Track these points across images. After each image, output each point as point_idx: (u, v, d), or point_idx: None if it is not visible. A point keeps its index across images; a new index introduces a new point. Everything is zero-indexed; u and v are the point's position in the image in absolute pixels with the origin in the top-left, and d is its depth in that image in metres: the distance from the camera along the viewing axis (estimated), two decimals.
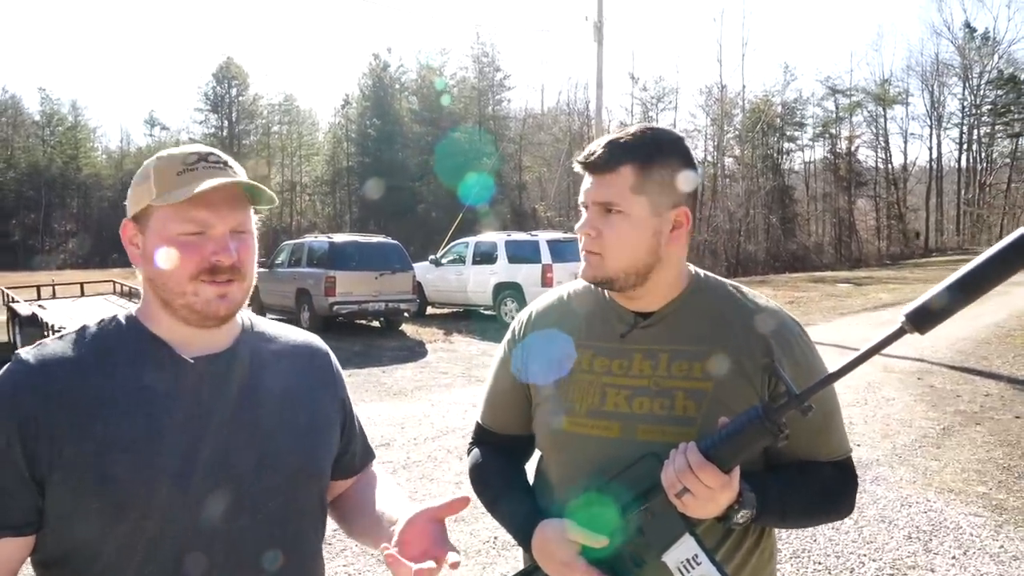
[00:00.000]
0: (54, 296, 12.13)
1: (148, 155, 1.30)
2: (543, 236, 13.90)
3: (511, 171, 45.55)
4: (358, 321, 13.69)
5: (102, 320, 1.12)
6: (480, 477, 1.41)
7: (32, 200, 54.82)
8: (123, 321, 1.11)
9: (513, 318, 1.47)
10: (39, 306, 10.20)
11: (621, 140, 1.21)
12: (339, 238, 13.43)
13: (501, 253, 13.96)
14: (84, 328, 1.10)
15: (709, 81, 54.95)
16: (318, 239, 13.88)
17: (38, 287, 11.99)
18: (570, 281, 1.42)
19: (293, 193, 51.79)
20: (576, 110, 46.20)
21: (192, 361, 1.08)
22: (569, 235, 15.25)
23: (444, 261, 15.27)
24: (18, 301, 10.67)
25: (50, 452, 0.98)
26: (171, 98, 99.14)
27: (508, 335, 1.43)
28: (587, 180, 1.24)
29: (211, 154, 1.09)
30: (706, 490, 1.05)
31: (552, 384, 1.31)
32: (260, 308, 14.85)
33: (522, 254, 13.63)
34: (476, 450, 1.46)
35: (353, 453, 1.30)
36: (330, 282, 12.26)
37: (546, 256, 13.16)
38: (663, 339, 1.25)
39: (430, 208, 43.19)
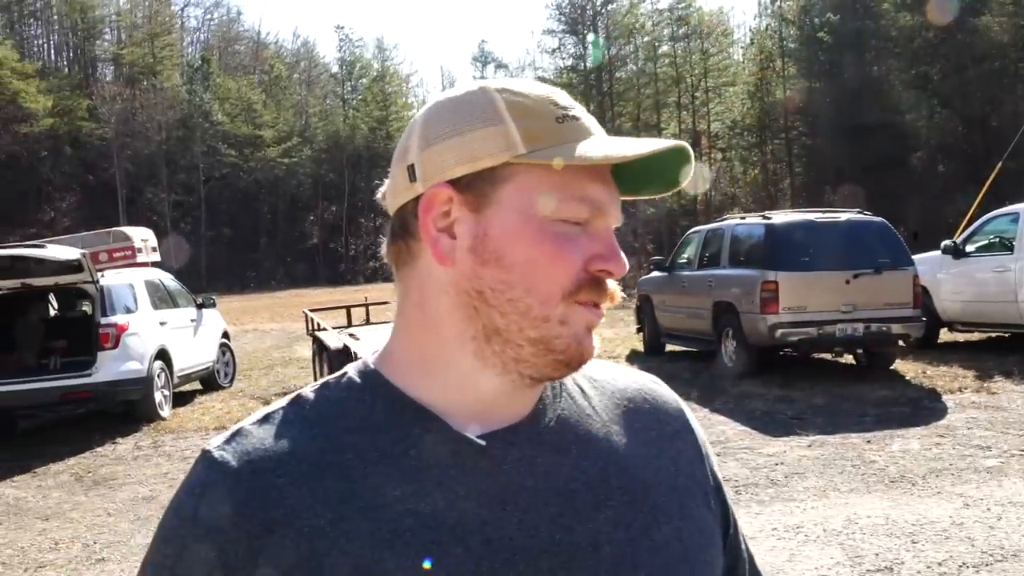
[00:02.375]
0: (367, 321, 14.08)
1: None
2: None
3: None
4: (817, 355, 13.77)
5: (326, 384, 1.14)
6: None
7: (333, 186, 64.45)
8: (359, 381, 1.13)
9: None
10: (350, 335, 11.80)
11: None
12: (781, 218, 13.65)
13: None
14: (299, 400, 1.12)
15: None
16: (746, 221, 14.29)
17: (348, 308, 13.93)
18: None
19: (697, 150, 53.59)
20: None
21: (483, 443, 1.07)
22: None
23: (970, 248, 14.94)
24: (325, 329, 12.48)
25: None
26: (508, 24, 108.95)
27: None
28: None
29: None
30: None
31: None
32: (655, 333, 15.56)
33: None
34: None
35: None
36: (769, 290, 12.43)
37: None
38: None
39: (934, 159, 41.62)
